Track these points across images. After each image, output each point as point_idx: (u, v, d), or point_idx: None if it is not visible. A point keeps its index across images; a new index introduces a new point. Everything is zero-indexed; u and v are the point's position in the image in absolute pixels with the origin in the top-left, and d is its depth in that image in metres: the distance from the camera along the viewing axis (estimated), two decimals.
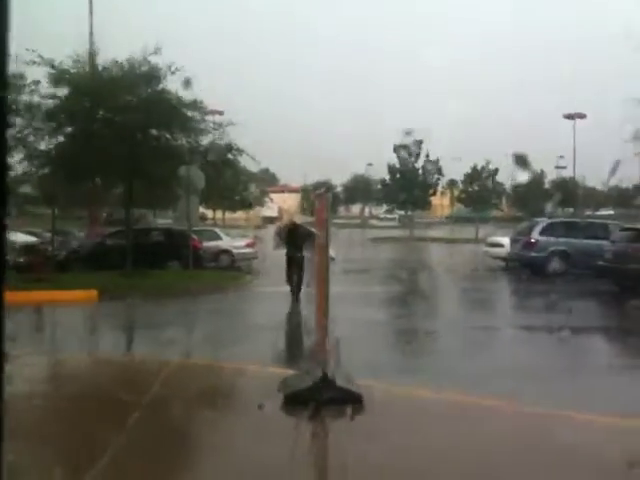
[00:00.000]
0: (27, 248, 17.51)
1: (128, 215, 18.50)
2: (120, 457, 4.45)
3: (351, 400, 5.58)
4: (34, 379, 6.90)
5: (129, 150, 16.20)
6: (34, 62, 16.29)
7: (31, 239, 19.20)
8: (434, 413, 5.59)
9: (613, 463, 4.38)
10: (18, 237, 18.76)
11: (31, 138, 17.02)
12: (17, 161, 18.06)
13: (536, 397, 5.77)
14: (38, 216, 24.74)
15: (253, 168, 30.38)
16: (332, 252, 8.34)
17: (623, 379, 7.11)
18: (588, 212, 49.54)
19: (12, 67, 16.71)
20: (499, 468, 4.35)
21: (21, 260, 17.09)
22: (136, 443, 4.79)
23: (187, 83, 17.01)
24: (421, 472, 4.27)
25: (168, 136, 17.73)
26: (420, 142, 59.29)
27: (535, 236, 19.25)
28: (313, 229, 10.14)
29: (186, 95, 17.33)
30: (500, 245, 21.76)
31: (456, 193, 67.41)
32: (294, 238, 12.79)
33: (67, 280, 14.85)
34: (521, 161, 54.17)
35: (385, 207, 71.30)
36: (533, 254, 18.92)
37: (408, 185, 57.59)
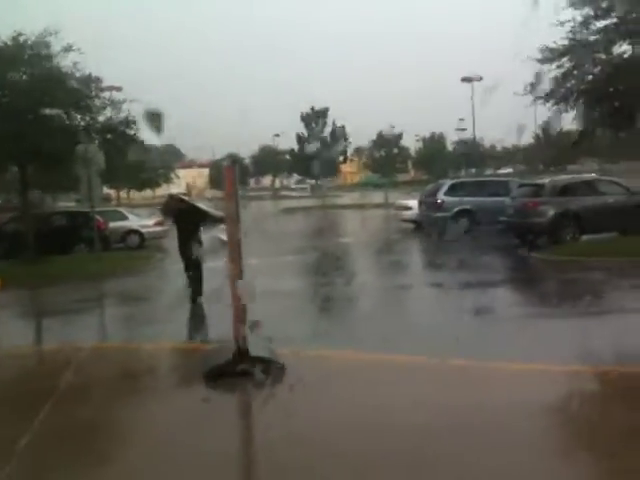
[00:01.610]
0: None
1: (25, 199, 17.58)
2: (34, 447, 4.27)
3: (271, 369, 5.60)
4: None
5: (20, 131, 15.32)
6: None
7: None
8: (351, 374, 5.68)
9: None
10: None
11: None
12: None
13: (448, 351, 5.96)
14: None
15: (157, 143, 29.54)
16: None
17: (523, 327, 7.46)
18: (489, 171, 51.58)
19: None
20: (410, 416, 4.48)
21: None
22: (50, 433, 4.61)
23: (67, 49, 16.21)
24: (337, 433, 4.32)
25: (62, 115, 16.90)
26: (326, 110, 59.64)
27: (441, 197, 19.80)
28: (204, 207, 9.81)
29: (80, 72, 16.58)
30: (408, 208, 22.28)
31: (363, 160, 68.43)
32: (185, 221, 9.92)
33: None
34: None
35: (295, 177, 71.49)
36: (440, 214, 19.47)
37: (317, 154, 57.92)
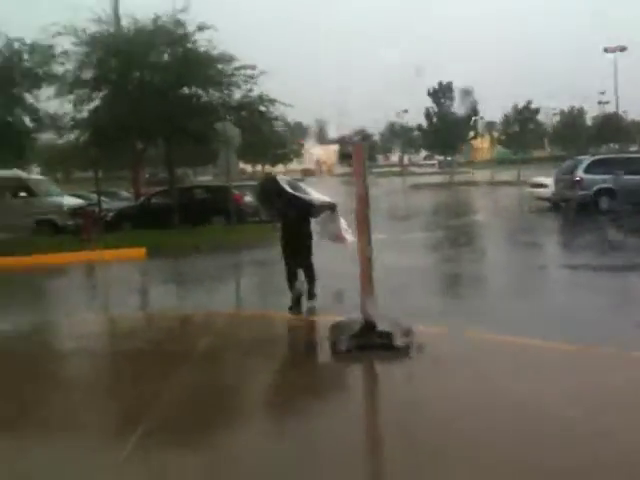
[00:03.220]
0: (75, 210, 17.97)
1: (170, 174, 18.78)
2: (175, 404, 4.66)
3: (397, 344, 5.67)
4: (90, 335, 7.18)
5: (163, 109, 16.32)
6: (59, 33, 16.48)
7: (79, 201, 19.66)
8: (483, 354, 5.63)
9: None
10: (66, 200, 19.25)
11: (67, 107, 17.41)
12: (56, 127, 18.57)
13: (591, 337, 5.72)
14: (84, 180, 25.28)
15: (289, 120, 30.23)
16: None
17: None
18: (633, 147, 47.99)
19: (39, 38, 17.00)
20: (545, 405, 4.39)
21: (70, 222, 17.59)
22: (194, 390, 5.00)
23: (201, 28, 16.95)
24: (470, 407, 4.34)
25: (201, 92, 17.78)
26: (450, 84, 58.01)
27: (580, 174, 18.84)
28: (307, 193, 7.48)
29: (216, 51, 17.34)
30: (544, 185, 21.40)
31: (496, 135, 66.02)
32: (287, 210, 7.71)
33: (115, 240, 15.24)
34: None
35: (424, 153, 70.47)
36: (578, 193, 18.56)
37: (446, 129, 56.64)
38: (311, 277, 7.84)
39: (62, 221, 17.91)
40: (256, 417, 4.54)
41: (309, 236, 7.81)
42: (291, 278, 7.75)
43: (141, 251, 13.68)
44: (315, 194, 7.80)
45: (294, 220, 7.69)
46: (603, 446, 3.62)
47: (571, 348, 5.48)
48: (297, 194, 7.48)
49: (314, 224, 7.86)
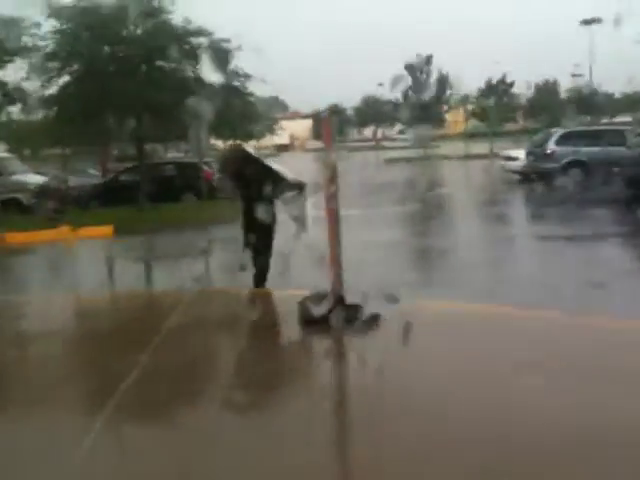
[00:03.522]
0: (41, 189, 17.63)
1: (139, 150, 18.45)
2: (144, 379, 4.59)
3: (366, 317, 5.66)
4: (58, 316, 7.05)
5: (134, 84, 15.99)
6: (29, 6, 16.04)
7: (45, 179, 19.27)
8: (454, 324, 5.65)
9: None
10: (31, 178, 18.85)
11: (36, 84, 16.96)
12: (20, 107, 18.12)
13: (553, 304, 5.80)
14: (50, 157, 24.76)
15: (262, 95, 29.86)
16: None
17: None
18: (605, 120, 48.43)
19: (10, 11, 16.49)
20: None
21: (36, 201, 17.26)
22: (158, 365, 4.93)
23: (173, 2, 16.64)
24: (441, 377, 4.33)
25: (174, 66, 17.46)
26: (430, 57, 57.89)
27: (551, 147, 18.94)
28: (277, 168, 7.14)
29: (190, 24, 17.01)
30: (516, 158, 21.50)
31: (470, 108, 66.12)
32: (250, 184, 7.17)
33: (83, 217, 14.98)
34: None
35: (398, 127, 70.33)
36: (550, 165, 18.66)
37: (420, 103, 56.60)
38: (265, 266, 7.18)
39: (28, 199, 17.57)
40: (231, 390, 4.50)
41: (273, 216, 7.17)
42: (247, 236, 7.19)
43: (109, 229, 13.47)
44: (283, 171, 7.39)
45: (258, 196, 6.96)
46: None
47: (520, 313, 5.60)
48: (269, 165, 7.14)
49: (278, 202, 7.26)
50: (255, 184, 7.06)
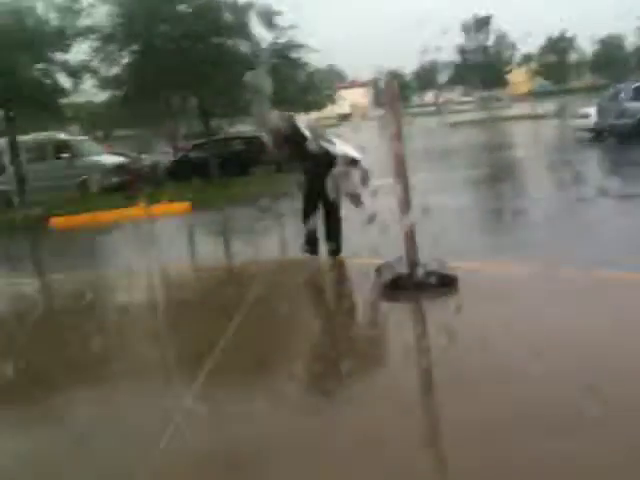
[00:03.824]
0: (118, 168, 18.32)
1: (205, 126, 18.87)
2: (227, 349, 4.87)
3: (446, 282, 5.75)
4: (145, 287, 7.48)
5: (192, 61, 16.30)
6: None
7: (120, 159, 20.00)
8: (529, 288, 5.68)
9: None
10: (107, 159, 19.60)
11: (99, 63, 17.46)
12: (90, 87, 18.68)
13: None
14: (122, 138, 25.61)
15: (320, 65, 29.85)
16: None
17: None
18: None
19: None
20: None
21: (114, 180, 17.97)
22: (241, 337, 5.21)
23: None
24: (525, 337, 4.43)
25: (228, 42, 17.67)
26: (488, 18, 56.20)
27: (623, 102, 18.28)
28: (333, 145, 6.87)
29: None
30: (586, 116, 20.82)
31: (533, 67, 63.99)
32: (301, 152, 6.94)
33: (160, 195, 15.53)
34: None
35: (460, 90, 68.80)
36: (622, 121, 18.04)
37: (481, 64, 55.16)
38: (337, 231, 7.10)
39: (106, 180, 18.31)
40: (316, 359, 4.72)
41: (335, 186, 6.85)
42: (309, 213, 7.01)
43: (186, 205, 13.95)
44: (340, 144, 7.07)
45: (316, 171, 6.82)
46: None
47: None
48: (317, 141, 6.78)
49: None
50: (307, 157, 6.88)
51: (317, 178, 6.83)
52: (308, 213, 7.05)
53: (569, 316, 4.68)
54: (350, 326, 5.47)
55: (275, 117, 7.22)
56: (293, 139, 6.97)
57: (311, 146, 6.76)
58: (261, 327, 5.34)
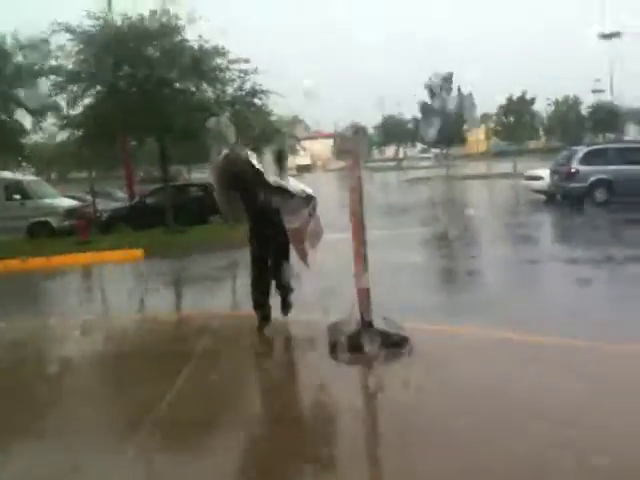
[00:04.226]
0: (70, 212, 17.93)
1: (164, 172, 18.69)
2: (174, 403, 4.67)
3: (396, 343, 5.67)
4: (87, 339, 7.18)
5: (154, 105, 16.24)
6: (54, 31, 16.38)
7: (73, 203, 19.62)
8: (480, 351, 5.65)
9: None
10: (61, 202, 19.19)
11: (61, 102, 17.28)
12: (50, 125, 18.43)
13: (579, 332, 5.77)
14: (77, 180, 25.24)
15: (282, 113, 30.08)
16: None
17: None
18: (629, 137, 48.02)
19: (35, 34, 16.90)
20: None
21: (65, 224, 17.55)
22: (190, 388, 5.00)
23: (192, 21, 16.86)
24: (470, 409, 4.35)
25: (194, 88, 17.69)
26: (450, 76, 57.98)
27: (575, 165, 18.81)
28: (276, 179, 6.28)
29: (207, 44, 17.22)
30: (539, 178, 21.35)
31: (491, 126, 65.98)
32: (251, 187, 6.38)
33: (111, 240, 15.21)
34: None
35: (419, 147, 70.38)
36: (574, 185, 18.53)
37: (441, 122, 56.61)
38: (287, 282, 6.65)
39: (58, 223, 17.89)
40: (262, 418, 4.54)
41: (284, 231, 6.50)
42: (258, 284, 6.50)
43: (139, 252, 13.66)
44: (292, 182, 6.71)
45: (266, 210, 6.38)
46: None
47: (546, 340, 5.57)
48: (274, 179, 6.29)
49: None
50: (259, 192, 6.36)
51: (266, 221, 6.39)
52: (259, 269, 6.56)
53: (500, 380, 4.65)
54: (289, 387, 5.29)
55: (226, 151, 6.54)
56: (244, 176, 6.30)
57: (266, 180, 6.22)
58: (199, 386, 5.14)
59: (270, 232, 6.43)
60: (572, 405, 4.27)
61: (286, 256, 6.61)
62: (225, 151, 6.49)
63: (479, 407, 4.31)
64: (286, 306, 6.82)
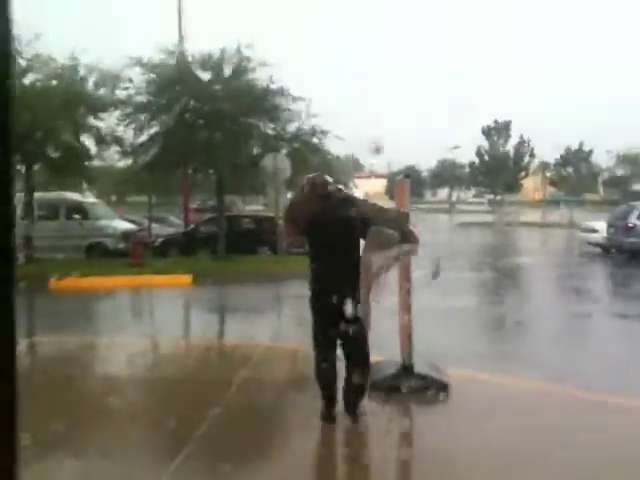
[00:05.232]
0: (126, 235, 18.43)
1: (219, 202, 19.11)
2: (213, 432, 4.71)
3: (436, 388, 5.60)
4: (132, 360, 7.33)
5: (219, 139, 16.72)
6: (126, 65, 17.12)
7: (130, 226, 20.17)
8: (521, 402, 5.53)
9: None
10: (118, 224, 19.78)
11: (127, 132, 17.95)
12: (114, 154, 19.12)
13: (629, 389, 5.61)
14: (136, 204, 25.96)
15: (339, 154, 30.44)
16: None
17: None
18: None
19: (108, 66, 17.65)
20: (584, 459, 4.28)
21: (121, 246, 18.05)
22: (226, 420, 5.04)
23: (263, 64, 17.38)
24: (509, 461, 4.26)
25: (257, 123, 18.13)
26: (509, 124, 57.74)
27: (633, 220, 18.40)
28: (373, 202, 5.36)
29: (273, 85, 17.72)
30: (595, 230, 20.94)
31: (548, 175, 65.10)
32: (335, 234, 4.94)
33: (163, 265, 15.54)
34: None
35: (473, 191, 69.89)
36: (631, 239, 18.10)
37: (497, 167, 56.21)
38: (365, 360, 4.94)
39: (113, 245, 18.41)
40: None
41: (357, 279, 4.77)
42: (324, 370, 4.93)
43: (188, 278, 13.92)
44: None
45: (345, 252, 4.85)
46: None
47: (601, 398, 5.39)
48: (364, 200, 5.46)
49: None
50: (343, 232, 4.89)
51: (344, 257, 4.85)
52: (323, 350, 5.00)
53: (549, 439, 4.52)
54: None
55: (310, 175, 5.18)
56: (329, 202, 4.94)
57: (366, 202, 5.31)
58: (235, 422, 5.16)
59: (340, 281, 4.78)
60: None
61: (363, 324, 4.83)
62: (309, 176, 5.16)
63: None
64: (355, 409, 4.98)
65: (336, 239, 4.90)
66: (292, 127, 18.49)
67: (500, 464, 4.19)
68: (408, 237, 5.04)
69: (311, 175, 5.16)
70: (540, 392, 5.82)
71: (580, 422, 5.01)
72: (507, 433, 4.74)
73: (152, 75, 17.44)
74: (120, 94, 17.90)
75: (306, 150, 18.66)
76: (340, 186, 5.21)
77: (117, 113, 17.92)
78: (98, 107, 17.75)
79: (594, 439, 4.59)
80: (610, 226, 19.74)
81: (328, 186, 5.01)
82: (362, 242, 4.99)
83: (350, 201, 5.13)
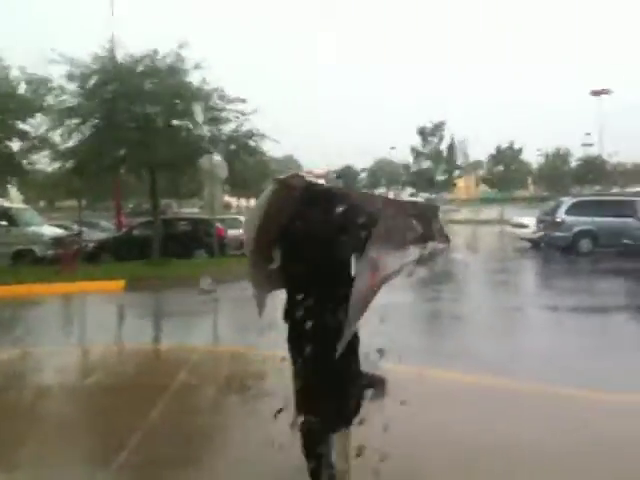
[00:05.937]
0: (55, 241, 17.86)
1: (154, 205, 18.74)
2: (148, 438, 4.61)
3: (373, 384, 5.63)
4: (64, 369, 7.10)
5: (151, 140, 16.38)
6: (55, 61, 16.60)
7: (60, 232, 19.55)
8: (452, 395, 5.63)
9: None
10: (47, 230, 19.13)
11: (57, 137, 17.44)
12: (43, 158, 18.55)
13: (560, 378, 5.81)
14: (65, 209, 25.22)
15: (276, 154, 30.50)
16: None
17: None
18: (616, 189, 48.78)
19: (37, 68, 17.10)
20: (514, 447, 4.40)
21: (50, 252, 17.47)
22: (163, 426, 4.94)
23: (197, 67, 17.19)
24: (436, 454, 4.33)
25: (190, 126, 17.87)
26: (442, 124, 58.97)
27: (561, 215, 19.08)
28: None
29: (208, 86, 17.50)
30: (525, 226, 21.63)
31: (480, 174, 66.94)
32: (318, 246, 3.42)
33: (95, 271, 15.13)
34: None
35: (409, 191, 71.07)
36: (559, 234, 18.76)
37: (431, 167, 57.34)
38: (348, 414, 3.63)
39: (42, 251, 17.80)
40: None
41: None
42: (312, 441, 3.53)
43: (120, 283, 13.59)
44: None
45: (327, 267, 3.51)
46: None
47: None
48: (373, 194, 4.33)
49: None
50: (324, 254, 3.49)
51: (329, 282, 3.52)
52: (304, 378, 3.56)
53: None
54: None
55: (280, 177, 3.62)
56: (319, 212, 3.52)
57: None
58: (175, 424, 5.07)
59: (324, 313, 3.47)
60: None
61: (353, 362, 3.69)
62: (278, 178, 3.61)
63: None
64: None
65: (314, 265, 3.47)
66: (228, 129, 18.34)
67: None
68: (436, 235, 3.71)
69: (283, 176, 3.59)
70: (464, 383, 5.95)
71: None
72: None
73: (82, 73, 16.95)
74: (49, 99, 17.41)
75: (242, 152, 18.54)
76: (320, 180, 3.95)
77: (47, 117, 17.41)
78: (27, 110, 17.21)
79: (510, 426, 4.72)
80: (540, 221, 20.42)
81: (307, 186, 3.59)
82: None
83: (339, 200, 3.52)
